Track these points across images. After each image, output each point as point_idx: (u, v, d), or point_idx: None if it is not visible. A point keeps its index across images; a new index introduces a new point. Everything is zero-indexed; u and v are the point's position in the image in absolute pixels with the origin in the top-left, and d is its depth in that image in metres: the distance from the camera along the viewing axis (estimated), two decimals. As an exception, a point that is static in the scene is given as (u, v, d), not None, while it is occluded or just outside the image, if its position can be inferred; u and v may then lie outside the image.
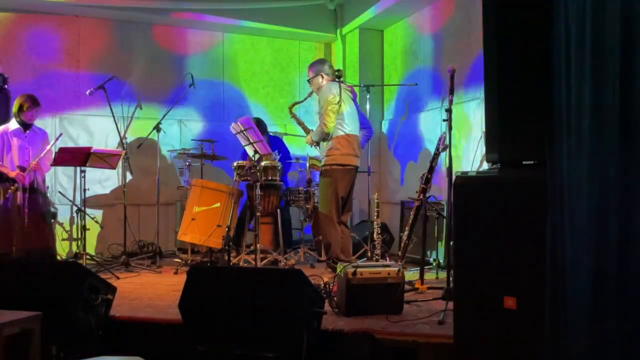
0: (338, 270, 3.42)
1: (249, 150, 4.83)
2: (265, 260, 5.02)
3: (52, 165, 4.91)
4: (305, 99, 4.86)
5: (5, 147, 4.96)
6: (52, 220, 5.40)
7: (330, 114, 4.32)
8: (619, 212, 1.69)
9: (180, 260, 5.27)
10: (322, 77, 4.58)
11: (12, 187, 4.85)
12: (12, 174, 4.86)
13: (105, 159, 4.88)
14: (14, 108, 5.01)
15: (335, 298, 3.39)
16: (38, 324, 2.63)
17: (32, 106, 4.97)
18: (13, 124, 5.01)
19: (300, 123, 4.90)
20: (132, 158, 5.51)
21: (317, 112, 4.53)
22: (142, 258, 5.61)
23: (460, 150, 5.22)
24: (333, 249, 4.30)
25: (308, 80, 4.71)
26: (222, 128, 6.62)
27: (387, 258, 4.67)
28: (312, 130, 4.69)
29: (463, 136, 5.27)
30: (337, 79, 4.65)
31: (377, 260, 4.41)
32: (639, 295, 1.65)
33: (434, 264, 4.77)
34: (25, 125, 5.02)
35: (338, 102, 4.35)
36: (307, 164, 5.42)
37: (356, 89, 5.39)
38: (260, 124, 5.81)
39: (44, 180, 5.12)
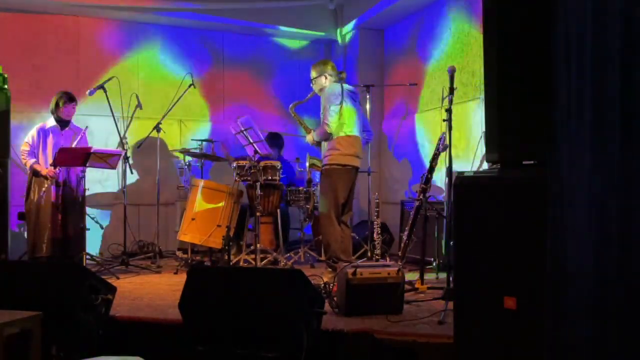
0: (338, 270, 3.42)
1: (249, 150, 4.85)
2: (265, 260, 5.02)
3: (51, 165, 4.90)
4: (307, 99, 4.87)
5: (41, 144, 4.99)
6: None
7: (333, 114, 4.32)
8: (620, 211, 1.68)
9: (180, 261, 5.27)
10: (326, 77, 4.58)
11: (46, 184, 4.89)
12: (44, 172, 4.89)
13: (105, 159, 4.87)
14: (51, 106, 5.08)
15: (335, 298, 3.39)
16: (38, 324, 2.63)
17: (67, 102, 5.04)
18: (50, 122, 5.07)
19: (301, 122, 4.93)
20: (132, 158, 5.50)
21: (321, 113, 4.54)
22: (142, 258, 5.61)
23: (460, 150, 5.22)
24: (333, 248, 4.30)
25: (311, 81, 4.72)
26: (222, 128, 6.62)
27: (387, 258, 4.68)
28: (314, 130, 4.70)
29: (463, 136, 5.27)
30: (340, 80, 4.66)
31: (377, 260, 4.41)
32: (639, 294, 1.65)
33: (435, 264, 4.77)
34: (62, 123, 5.07)
35: (340, 103, 4.35)
36: (307, 164, 5.42)
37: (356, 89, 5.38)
38: (275, 138, 5.89)
39: (77, 176, 5.08)
